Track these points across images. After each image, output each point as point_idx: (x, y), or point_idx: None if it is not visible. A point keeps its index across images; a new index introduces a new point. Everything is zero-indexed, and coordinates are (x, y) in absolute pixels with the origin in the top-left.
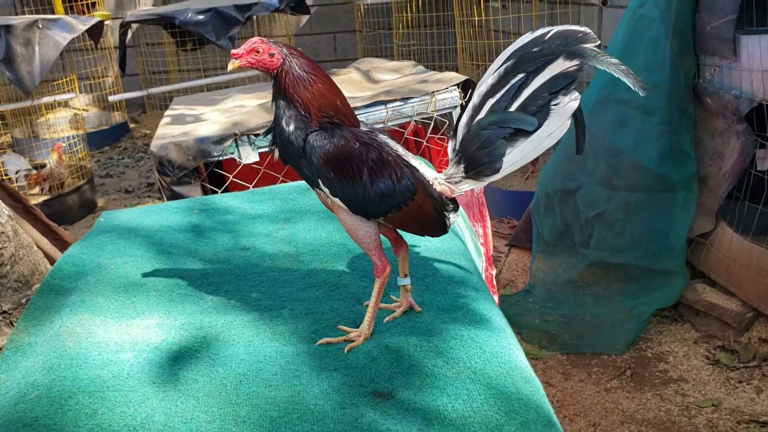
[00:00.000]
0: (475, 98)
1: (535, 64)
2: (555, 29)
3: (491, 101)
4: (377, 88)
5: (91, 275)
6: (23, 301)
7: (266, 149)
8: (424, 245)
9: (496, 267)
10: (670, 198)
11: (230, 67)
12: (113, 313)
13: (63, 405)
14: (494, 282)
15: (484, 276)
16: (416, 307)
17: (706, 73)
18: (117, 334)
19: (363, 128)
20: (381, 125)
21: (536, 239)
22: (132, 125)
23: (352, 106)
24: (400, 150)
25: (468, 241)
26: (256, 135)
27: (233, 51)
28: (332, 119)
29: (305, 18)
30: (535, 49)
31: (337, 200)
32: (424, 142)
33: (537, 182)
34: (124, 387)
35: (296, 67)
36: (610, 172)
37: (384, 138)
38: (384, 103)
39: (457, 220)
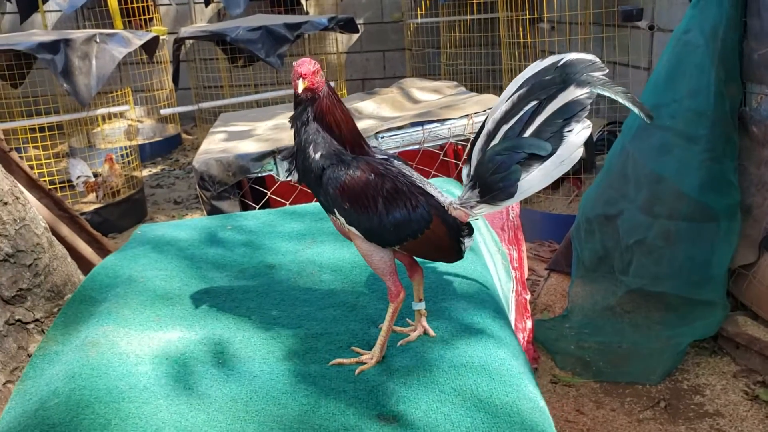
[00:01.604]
0: (489, 124)
1: (547, 92)
2: (565, 57)
3: (505, 127)
4: (416, 108)
5: (121, 287)
6: (55, 310)
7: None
8: (444, 269)
9: (534, 291)
10: (712, 227)
11: (301, 88)
12: (137, 325)
13: (79, 414)
14: (528, 306)
15: (515, 300)
16: (430, 332)
17: (752, 101)
18: (138, 347)
19: (378, 156)
20: (417, 146)
21: (576, 264)
22: (184, 137)
23: (389, 126)
24: (415, 177)
25: (497, 264)
26: None
27: (301, 71)
28: (360, 145)
29: (355, 36)
30: (546, 77)
31: (352, 229)
32: (460, 163)
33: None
34: (139, 399)
35: (333, 91)
36: (652, 200)
37: (399, 166)
38: (421, 124)
39: (486, 244)
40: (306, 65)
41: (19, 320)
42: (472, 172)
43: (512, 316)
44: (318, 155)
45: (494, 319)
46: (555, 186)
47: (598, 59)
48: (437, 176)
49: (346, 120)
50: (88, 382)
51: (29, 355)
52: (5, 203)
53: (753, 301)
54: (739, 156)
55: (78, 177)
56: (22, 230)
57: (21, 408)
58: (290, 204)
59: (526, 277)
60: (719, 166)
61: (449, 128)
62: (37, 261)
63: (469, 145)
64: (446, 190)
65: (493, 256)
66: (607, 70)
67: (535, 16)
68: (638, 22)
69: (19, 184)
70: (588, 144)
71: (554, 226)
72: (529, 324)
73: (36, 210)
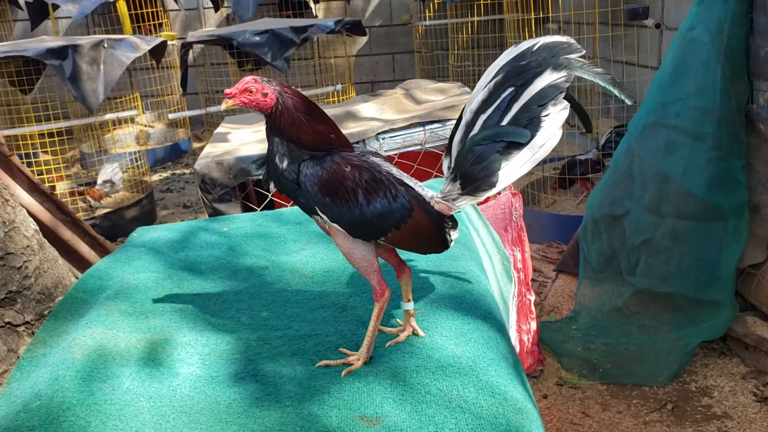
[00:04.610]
0: (467, 115)
1: (523, 78)
2: (540, 41)
3: (483, 117)
4: (418, 109)
5: (112, 289)
6: (46, 312)
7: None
8: (438, 270)
9: (542, 292)
10: (720, 227)
11: (223, 106)
12: (126, 327)
13: (60, 416)
14: (533, 308)
15: (517, 302)
16: (419, 332)
17: (759, 99)
18: (125, 348)
19: (355, 152)
20: (419, 147)
21: (583, 265)
22: (194, 142)
23: (390, 127)
24: (394, 170)
25: (495, 266)
26: None
27: (226, 90)
28: (331, 146)
29: (364, 39)
30: (522, 63)
31: (335, 225)
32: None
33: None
34: (121, 401)
35: (290, 107)
36: (658, 199)
37: (376, 159)
38: (422, 124)
39: (485, 245)
40: (237, 84)
41: (9, 323)
42: (452, 165)
43: (513, 318)
44: (285, 164)
45: (485, 320)
46: (563, 187)
47: (574, 41)
48: (439, 176)
49: (307, 132)
50: (72, 384)
51: (19, 358)
52: None
53: (762, 302)
54: (746, 154)
55: (104, 182)
56: (11, 232)
57: (4, 411)
58: (292, 205)
59: (530, 278)
60: (726, 165)
61: (451, 129)
62: (26, 263)
63: (448, 138)
64: (436, 188)
65: (492, 257)
66: (584, 52)
67: (541, 16)
68: (645, 21)
69: (15, 187)
70: (573, 103)
71: (562, 227)
72: (533, 325)
73: (26, 212)
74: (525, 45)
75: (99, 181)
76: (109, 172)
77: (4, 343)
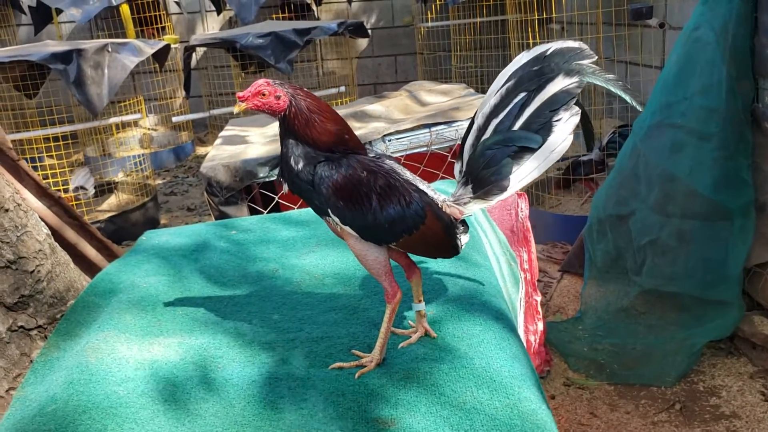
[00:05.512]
0: (479, 119)
1: (536, 83)
2: (553, 46)
3: (495, 121)
4: (423, 111)
5: (123, 293)
6: (58, 316)
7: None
8: (448, 271)
9: (547, 293)
10: (726, 226)
11: (236, 109)
12: (138, 330)
13: (76, 419)
14: (539, 308)
15: (525, 303)
16: (431, 333)
17: (765, 98)
18: (138, 352)
19: (370, 155)
20: (425, 148)
21: (588, 265)
22: (198, 145)
23: (396, 129)
24: (408, 175)
25: (503, 267)
26: None
27: (239, 94)
28: (345, 147)
29: (366, 41)
30: (534, 68)
31: (347, 228)
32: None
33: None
34: (136, 404)
35: (303, 108)
36: (664, 199)
37: (391, 164)
38: (428, 126)
39: (492, 246)
40: (250, 87)
41: (21, 327)
42: (464, 169)
43: (521, 319)
44: (300, 165)
45: (497, 321)
46: (567, 187)
47: (586, 47)
48: (445, 178)
49: (321, 133)
50: (87, 387)
51: (32, 362)
52: (6, 210)
53: None
54: (752, 153)
55: (76, 189)
56: (23, 237)
57: (20, 414)
58: (298, 208)
59: (537, 278)
60: (732, 164)
61: (456, 130)
62: (39, 267)
63: (460, 142)
64: (445, 191)
65: (499, 258)
66: (596, 57)
67: (544, 16)
68: (648, 21)
69: (24, 191)
70: (584, 120)
71: (567, 228)
72: (540, 326)
73: (38, 217)
74: (537, 50)
75: (71, 188)
76: (80, 178)
77: (17, 347)
